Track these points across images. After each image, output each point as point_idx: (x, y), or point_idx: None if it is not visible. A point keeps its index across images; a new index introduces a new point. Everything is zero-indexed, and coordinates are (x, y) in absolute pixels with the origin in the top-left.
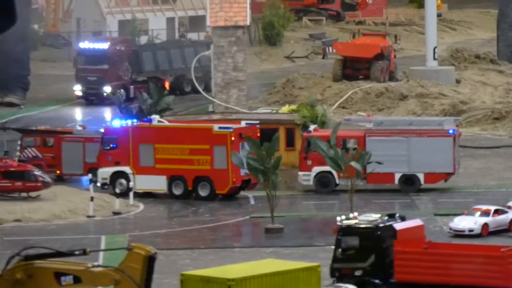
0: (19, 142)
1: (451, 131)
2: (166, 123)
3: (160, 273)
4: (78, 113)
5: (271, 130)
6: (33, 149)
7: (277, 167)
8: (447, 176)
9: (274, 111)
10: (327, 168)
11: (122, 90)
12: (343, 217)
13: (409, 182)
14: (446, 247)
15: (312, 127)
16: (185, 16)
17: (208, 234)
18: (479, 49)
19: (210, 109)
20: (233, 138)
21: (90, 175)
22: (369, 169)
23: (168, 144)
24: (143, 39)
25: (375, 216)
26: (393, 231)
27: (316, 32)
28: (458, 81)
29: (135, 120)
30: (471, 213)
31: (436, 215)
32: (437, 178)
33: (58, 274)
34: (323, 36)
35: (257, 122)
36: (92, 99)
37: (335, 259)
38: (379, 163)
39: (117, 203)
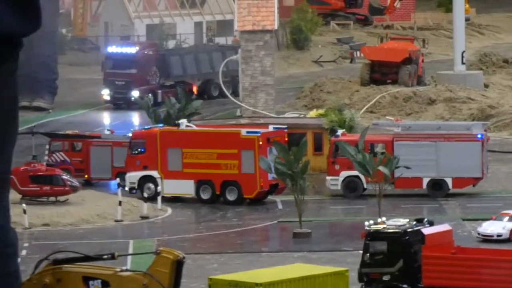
0: (47, 147)
1: (479, 136)
2: (194, 127)
3: (188, 277)
4: (106, 118)
5: (299, 135)
6: (61, 153)
7: (304, 172)
8: (475, 180)
9: (302, 116)
10: (355, 172)
11: (150, 95)
12: (371, 222)
13: (437, 187)
14: (474, 252)
15: (340, 131)
16: (212, 20)
17: (236, 239)
18: (507, 53)
19: (238, 113)
20: (260, 143)
21: (118, 180)
22: (397, 173)
23: (196, 148)
24: (171, 44)
25: (403, 221)
26: (421, 236)
27: (343, 36)
28: (486, 86)
29: (162, 125)
30: (499, 218)
31: (464, 220)
32: (465, 183)
33: (87, 279)
34: (351, 41)
35: (285, 126)
36: (120, 103)
37: (363, 264)
38: (407, 167)
39: (145, 208)
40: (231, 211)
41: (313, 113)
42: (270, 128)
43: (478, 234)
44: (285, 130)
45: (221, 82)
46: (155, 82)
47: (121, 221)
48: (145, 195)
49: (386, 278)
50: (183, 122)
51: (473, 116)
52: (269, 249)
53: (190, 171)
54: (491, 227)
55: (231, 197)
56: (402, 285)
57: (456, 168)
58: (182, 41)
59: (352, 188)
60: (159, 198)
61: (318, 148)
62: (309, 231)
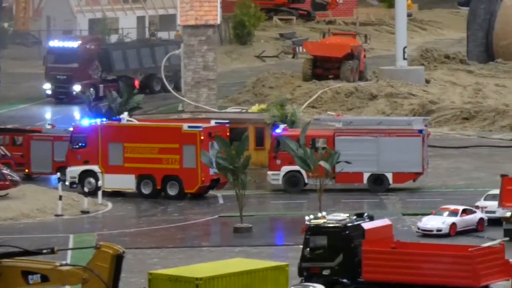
0: None
1: (420, 131)
2: (136, 122)
3: (128, 272)
4: (47, 112)
5: (241, 130)
6: (2, 147)
7: (246, 167)
8: (415, 175)
9: (244, 111)
10: (296, 167)
11: (91, 89)
12: (312, 216)
13: (378, 182)
14: (414, 246)
15: (281, 126)
16: (155, 15)
17: (177, 233)
18: (449, 49)
19: (180, 108)
20: (202, 137)
21: (58, 174)
22: (338, 168)
23: (137, 143)
24: (113, 38)
25: (343, 216)
26: (361, 231)
27: (286, 31)
28: (427, 81)
29: (104, 119)
30: (439, 213)
31: (404, 214)
32: (405, 178)
33: (26, 273)
34: (293, 36)
35: (227, 121)
36: (61, 97)
37: (303, 258)
38: (348, 162)
39: (86, 202)
40: (172, 206)
41: (255, 108)
42: (212, 122)
43: (418, 229)
44: (227, 125)
45: (163, 77)
46: (97, 76)
47: (62, 215)
48: (86, 189)
49: (326, 272)
50: (125, 116)
51: (414, 112)
52: (210, 244)
53: (131, 165)
54: (431, 222)
55: (172, 191)
56: (342, 280)
57: (396, 163)
58: (124, 36)
59: (293, 183)
60: (99, 193)
61: (259, 143)
62: (250, 225)
